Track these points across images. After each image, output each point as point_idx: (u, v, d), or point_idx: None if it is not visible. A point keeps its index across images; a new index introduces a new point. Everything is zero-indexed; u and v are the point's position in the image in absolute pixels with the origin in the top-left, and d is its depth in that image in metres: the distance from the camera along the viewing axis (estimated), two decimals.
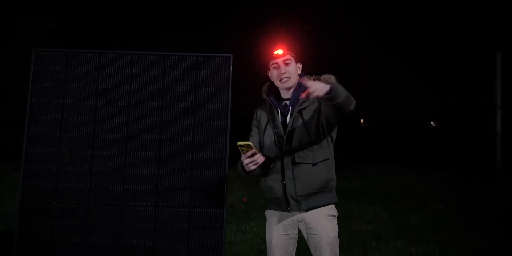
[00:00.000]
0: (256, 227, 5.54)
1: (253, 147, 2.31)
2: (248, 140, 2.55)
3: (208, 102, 3.05)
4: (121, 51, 3.09)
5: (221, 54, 3.07)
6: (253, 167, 2.37)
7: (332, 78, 2.56)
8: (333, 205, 2.55)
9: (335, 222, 2.54)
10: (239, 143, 2.29)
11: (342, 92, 2.24)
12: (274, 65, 2.58)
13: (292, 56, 2.59)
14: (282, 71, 2.54)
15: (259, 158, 2.36)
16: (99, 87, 3.07)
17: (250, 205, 7.00)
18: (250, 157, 2.34)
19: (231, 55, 3.06)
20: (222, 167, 3.00)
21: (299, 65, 2.64)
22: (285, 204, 2.49)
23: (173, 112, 3.04)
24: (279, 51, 2.55)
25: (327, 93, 2.18)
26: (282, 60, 2.56)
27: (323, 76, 2.57)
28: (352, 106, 2.34)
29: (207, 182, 2.99)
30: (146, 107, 3.05)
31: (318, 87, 2.17)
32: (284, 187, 2.47)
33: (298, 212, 2.49)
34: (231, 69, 3.05)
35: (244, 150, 2.32)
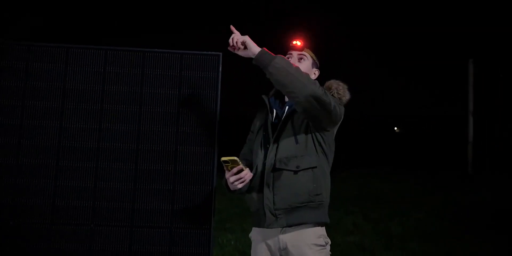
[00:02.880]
0: (234, 240, 5.22)
1: (239, 162, 2.05)
2: (242, 147, 2.36)
3: (194, 107, 2.70)
4: (93, 46, 2.71)
5: (209, 52, 2.74)
6: (240, 186, 2.11)
7: (340, 84, 2.27)
8: (321, 230, 2.19)
9: (324, 252, 2.17)
10: (223, 159, 2.05)
11: (273, 65, 2.01)
12: (288, 56, 2.31)
13: (312, 58, 2.32)
14: (291, 62, 2.21)
15: (247, 175, 2.10)
16: (66, 87, 2.68)
17: (223, 214, 6.67)
18: (236, 174, 2.08)
19: (221, 53, 2.73)
20: (209, 181, 2.66)
21: (315, 71, 2.36)
22: (263, 219, 2.17)
23: (153, 117, 2.69)
24: (298, 42, 2.29)
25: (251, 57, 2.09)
26: (298, 54, 2.30)
27: (330, 81, 2.28)
28: (298, 92, 2.01)
29: (191, 199, 2.65)
30: (121, 112, 2.68)
31: (239, 39, 2.09)
32: (263, 197, 2.16)
33: (279, 233, 2.15)
34: (220, 68, 2.73)
35: (229, 167, 2.07)
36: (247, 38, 2.08)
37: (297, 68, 2.05)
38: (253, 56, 2.06)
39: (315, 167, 2.14)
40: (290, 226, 2.13)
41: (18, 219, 2.58)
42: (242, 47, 2.08)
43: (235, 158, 2.04)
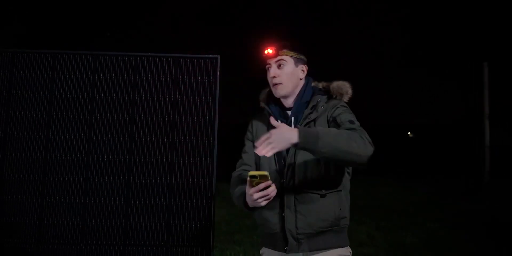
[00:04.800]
0: (242, 253, 5.00)
1: (269, 177, 1.81)
2: (241, 156, 2.13)
3: (190, 114, 2.54)
4: (81, 51, 2.57)
5: (206, 55, 2.57)
6: (264, 204, 1.85)
7: (347, 86, 2.12)
8: (346, 249, 2.06)
9: None
10: (251, 173, 1.80)
11: (323, 144, 1.72)
12: (267, 66, 2.13)
13: (292, 56, 2.13)
14: (271, 74, 2.09)
15: (273, 192, 1.84)
16: (53, 96, 2.53)
17: (233, 225, 6.48)
18: (261, 190, 1.82)
19: (219, 56, 2.57)
20: (208, 195, 2.49)
21: (302, 67, 2.16)
22: (282, 243, 2.01)
23: (147, 126, 2.53)
24: (269, 50, 2.11)
25: (296, 145, 1.71)
26: (275, 61, 2.10)
27: (337, 83, 2.13)
28: (359, 160, 1.79)
29: (189, 214, 2.48)
30: (112, 121, 2.52)
31: (277, 138, 1.69)
32: (282, 220, 1.99)
33: (301, 254, 1.99)
34: (218, 73, 2.55)
35: (255, 182, 1.83)
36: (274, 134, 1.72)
37: (347, 135, 1.81)
38: (295, 142, 1.73)
39: (341, 190, 2.01)
40: (311, 251, 1.99)
41: (2, 238, 2.43)
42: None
43: (266, 173, 1.80)
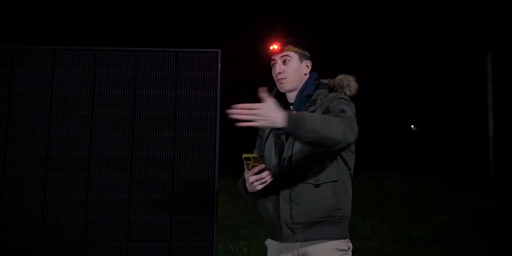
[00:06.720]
0: (246, 248, 5.02)
1: (261, 161, 1.91)
2: (252, 152, 2.18)
3: (192, 109, 2.53)
4: (82, 47, 2.56)
5: (207, 49, 2.55)
6: (259, 188, 1.93)
7: (350, 79, 2.16)
8: (345, 239, 2.09)
9: None
10: (245, 155, 1.90)
11: (306, 130, 1.72)
12: (272, 62, 2.19)
13: (297, 52, 2.18)
14: (277, 70, 2.14)
15: (268, 177, 1.93)
16: (54, 92, 2.51)
17: (237, 220, 6.50)
18: (256, 174, 1.91)
19: (219, 50, 2.55)
20: (210, 190, 2.47)
21: (307, 63, 2.21)
22: (279, 232, 2.06)
23: (148, 122, 2.52)
24: (275, 46, 2.17)
25: (280, 129, 1.73)
26: (280, 57, 2.17)
27: (339, 77, 2.17)
28: (336, 146, 1.81)
29: (191, 209, 2.46)
30: (113, 116, 2.51)
31: (264, 115, 1.68)
32: (278, 210, 2.04)
33: (298, 245, 2.03)
34: (219, 67, 2.54)
35: (250, 165, 1.91)
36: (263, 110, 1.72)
37: (331, 121, 1.83)
38: (281, 126, 1.73)
39: (336, 181, 2.04)
40: (306, 241, 2.02)
41: (5, 236, 2.42)
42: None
43: (257, 155, 1.90)
